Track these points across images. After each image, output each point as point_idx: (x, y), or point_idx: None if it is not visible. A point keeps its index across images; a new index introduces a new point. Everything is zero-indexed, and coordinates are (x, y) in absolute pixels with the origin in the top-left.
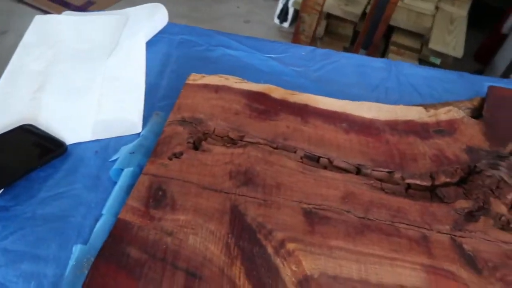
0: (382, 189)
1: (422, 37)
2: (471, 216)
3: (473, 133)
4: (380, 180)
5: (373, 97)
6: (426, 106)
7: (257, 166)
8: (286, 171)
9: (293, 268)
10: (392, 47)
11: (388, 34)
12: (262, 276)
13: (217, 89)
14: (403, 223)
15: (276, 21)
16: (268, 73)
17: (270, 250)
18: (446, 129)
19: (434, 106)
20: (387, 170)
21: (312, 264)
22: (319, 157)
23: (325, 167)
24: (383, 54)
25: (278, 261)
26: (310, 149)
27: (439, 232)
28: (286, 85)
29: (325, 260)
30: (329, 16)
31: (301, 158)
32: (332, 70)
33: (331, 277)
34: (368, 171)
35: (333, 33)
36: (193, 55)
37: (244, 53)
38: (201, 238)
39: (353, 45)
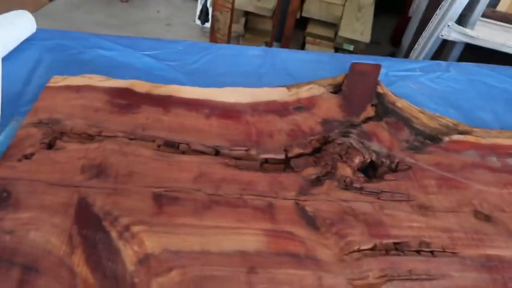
0: (237, 166)
1: (335, 26)
2: (318, 181)
3: (329, 107)
4: (238, 158)
5: (246, 83)
6: (289, 87)
7: (111, 158)
8: (141, 159)
9: (135, 248)
10: (308, 38)
11: (304, 25)
12: (102, 260)
13: (78, 89)
14: (252, 195)
15: (198, 22)
16: (142, 70)
17: (114, 235)
18: (305, 105)
19: (297, 85)
20: (244, 148)
21: (155, 242)
22: (179, 143)
23: (183, 152)
24: (302, 46)
25: (120, 244)
26: (169, 136)
27: (284, 198)
28: (158, 80)
29: (168, 238)
30: (247, 12)
31: (159, 146)
32: (208, 62)
33: (173, 252)
34: (226, 151)
35: (253, 29)
36: (65, 59)
37: (119, 53)
38: (43, 232)
39: None
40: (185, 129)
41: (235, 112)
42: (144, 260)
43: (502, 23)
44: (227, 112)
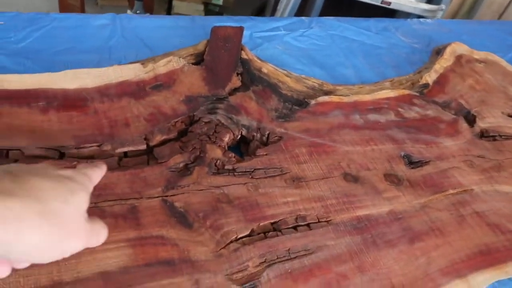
0: None
1: None
2: (186, 169)
3: (192, 81)
4: (89, 157)
5: (92, 62)
6: (144, 62)
7: None
8: None
9: None
10: None
11: None
12: None
13: None
14: (109, 200)
15: None
16: None
17: None
18: (164, 82)
19: (153, 59)
20: (95, 144)
21: None
22: (7, 150)
23: (16, 161)
24: (169, 3)
25: None
26: None
27: (149, 197)
28: None
29: (1, 280)
30: None
31: None
32: (40, 37)
33: None
34: (73, 151)
35: None
36: None
37: None
38: None
39: None
40: (14, 131)
41: (80, 101)
42: None
43: None
44: (70, 101)
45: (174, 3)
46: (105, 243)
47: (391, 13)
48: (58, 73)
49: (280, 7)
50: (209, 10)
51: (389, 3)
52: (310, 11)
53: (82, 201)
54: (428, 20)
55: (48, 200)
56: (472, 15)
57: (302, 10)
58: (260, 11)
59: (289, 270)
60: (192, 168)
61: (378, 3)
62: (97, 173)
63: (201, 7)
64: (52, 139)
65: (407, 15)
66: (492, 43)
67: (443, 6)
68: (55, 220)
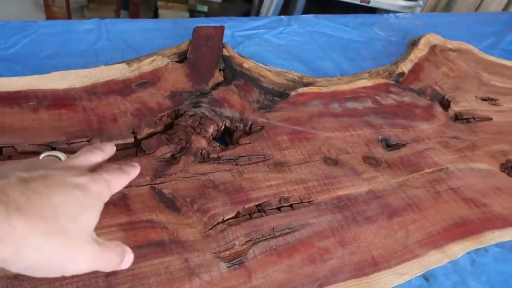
0: None
1: None
2: (173, 159)
3: (176, 78)
4: None
5: (81, 64)
6: (129, 62)
7: None
8: None
9: None
10: (159, 2)
11: None
12: None
13: None
14: None
15: None
16: None
17: None
18: (149, 80)
19: (138, 59)
20: (85, 139)
21: None
22: (1, 147)
23: (10, 157)
24: (155, 11)
25: None
26: None
27: (139, 186)
28: None
29: None
30: None
31: None
32: (28, 43)
33: (11, 278)
34: (64, 146)
35: None
36: None
37: None
38: None
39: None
40: (7, 129)
41: (69, 100)
42: None
43: None
44: (59, 100)
45: (160, 11)
46: (97, 228)
47: (371, 12)
48: (47, 74)
49: (264, 9)
50: (195, 17)
51: (368, 1)
52: (292, 13)
53: (91, 219)
54: (404, 14)
55: (55, 218)
56: (450, 9)
57: (284, 13)
58: (245, 16)
59: (274, 247)
60: (179, 158)
61: (358, 2)
62: (121, 180)
63: (187, 14)
64: (43, 136)
65: (386, 12)
66: (466, 33)
67: (420, 2)
68: (59, 240)
